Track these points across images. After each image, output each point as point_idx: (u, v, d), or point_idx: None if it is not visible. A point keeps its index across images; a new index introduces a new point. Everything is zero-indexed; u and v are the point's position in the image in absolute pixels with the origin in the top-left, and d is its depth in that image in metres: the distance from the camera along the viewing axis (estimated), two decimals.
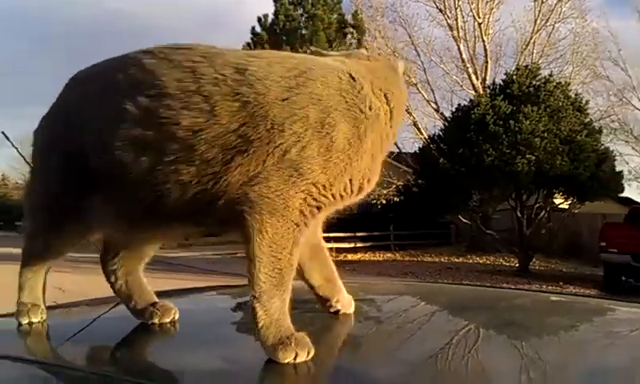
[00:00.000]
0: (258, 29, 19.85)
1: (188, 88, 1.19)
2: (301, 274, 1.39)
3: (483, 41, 21.45)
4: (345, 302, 1.42)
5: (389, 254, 20.47)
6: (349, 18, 19.07)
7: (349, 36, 18.86)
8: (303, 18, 19.01)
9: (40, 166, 1.42)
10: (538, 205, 15.98)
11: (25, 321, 1.35)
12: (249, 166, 1.14)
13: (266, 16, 19.71)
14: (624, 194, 19.08)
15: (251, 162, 1.14)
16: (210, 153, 1.15)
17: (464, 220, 18.06)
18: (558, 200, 16.76)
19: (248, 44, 19.62)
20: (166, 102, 1.19)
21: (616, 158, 16.40)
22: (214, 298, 1.86)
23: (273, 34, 19.01)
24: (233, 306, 1.71)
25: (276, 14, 19.30)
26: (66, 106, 1.38)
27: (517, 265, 16.40)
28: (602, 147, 15.46)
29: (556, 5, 21.62)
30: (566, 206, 16.70)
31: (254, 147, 1.14)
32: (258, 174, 1.14)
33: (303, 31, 18.70)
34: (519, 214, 15.96)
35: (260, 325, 1.09)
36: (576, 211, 16.70)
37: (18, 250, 1.46)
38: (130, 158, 1.20)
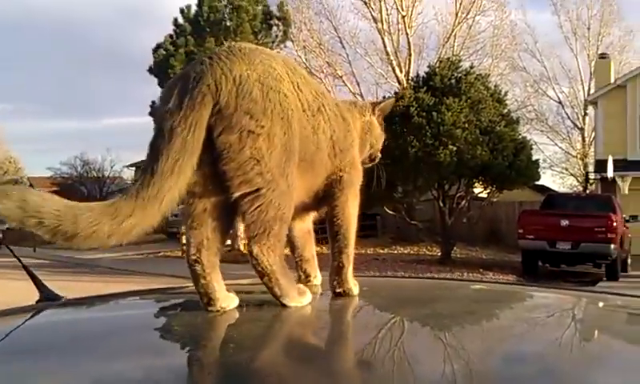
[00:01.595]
0: (181, 20, 19.42)
1: (323, 106, 1.59)
2: (294, 247, 1.73)
3: (407, 34, 21.88)
4: (319, 281, 1.75)
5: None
6: (274, 9, 18.94)
7: (274, 28, 18.76)
8: (227, 10, 18.72)
9: None
10: (459, 194, 16.43)
11: None
12: (343, 161, 1.63)
13: (189, 7, 19.31)
14: (540, 182, 19.99)
15: (344, 159, 1.64)
16: (329, 155, 1.60)
17: (389, 211, 18.35)
18: (478, 189, 17.29)
19: (170, 36, 19.19)
20: (319, 117, 1.57)
21: (532, 147, 17.07)
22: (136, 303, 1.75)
23: (196, 26, 18.65)
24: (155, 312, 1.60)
25: (199, 4, 18.93)
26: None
27: (439, 254, 16.84)
28: (520, 137, 16.11)
29: None
30: (485, 195, 17.26)
31: (345, 151, 1.65)
32: (344, 166, 1.64)
33: (228, 23, 18.43)
34: (441, 204, 16.37)
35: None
36: (495, 200, 17.29)
37: None
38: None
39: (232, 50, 1.53)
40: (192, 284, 1.40)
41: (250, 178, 1.43)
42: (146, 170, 1.36)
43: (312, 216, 1.74)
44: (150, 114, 17.49)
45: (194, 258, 1.42)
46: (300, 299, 1.44)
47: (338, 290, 1.59)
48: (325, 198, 1.65)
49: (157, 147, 1.37)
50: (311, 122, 1.56)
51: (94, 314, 1.54)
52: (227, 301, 1.41)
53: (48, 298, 1.47)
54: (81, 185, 33.27)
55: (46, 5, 66.12)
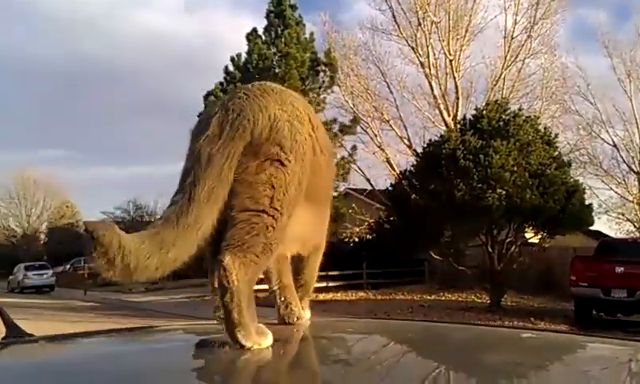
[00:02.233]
0: (231, 68, 19.92)
1: (327, 149, 1.71)
2: (272, 275, 1.71)
3: (454, 77, 21.82)
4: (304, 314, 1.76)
5: (361, 293, 20.24)
6: (321, 56, 19.24)
7: (321, 74, 19.02)
8: (276, 57, 19.14)
9: None
10: (508, 239, 16.00)
11: None
12: (328, 200, 1.85)
13: (239, 55, 19.83)
14: (594, 228, 19.31)
15: (329, 198, 1.87)
16: (322, 195, 1.75)
17: (436, 256, 18.01)
18: (529, 234, 16.81)
19: (221, 83, 19.68)
20: (321, 159, 1.66)
21: (585, 191, 16.55)
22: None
23: (246, 73, 19.07)
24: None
25: (249, 53, 19.42)
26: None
27: (489, 301, 16.34)
28: (572, 180, 15.66)
29: (525, 41, 22.25)
30: (537, 240, 16.74)
31: (330, 191, 1.85)
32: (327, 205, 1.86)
33: (276, 70, 18.79)
34: (490, 250, 15.95)
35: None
36: (547, 245, 16.76)
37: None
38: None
39: (265, 89, 1.59)
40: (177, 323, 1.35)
41: (258, 199, 1.47)
42: (184, 195, 1.39)
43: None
44: None
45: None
46: (258, 340, 1.34)
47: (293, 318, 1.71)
48: (313, 235, 1.78)
49: (194, 173, 1.40)
50: (318, 164, 1.63)
51: (57, 351, 1.49)
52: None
53: (15, 335, 1.46)
54: (133, 229, 33.87)
55: (101, 55, 68.97)
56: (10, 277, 34.27)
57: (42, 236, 50.48)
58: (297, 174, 1.53)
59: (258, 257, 1.43)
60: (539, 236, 16.42)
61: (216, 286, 1.39)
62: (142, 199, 34.35)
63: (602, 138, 24.27)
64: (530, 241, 17.18)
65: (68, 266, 37.92)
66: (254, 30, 19.66)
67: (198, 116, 1.82)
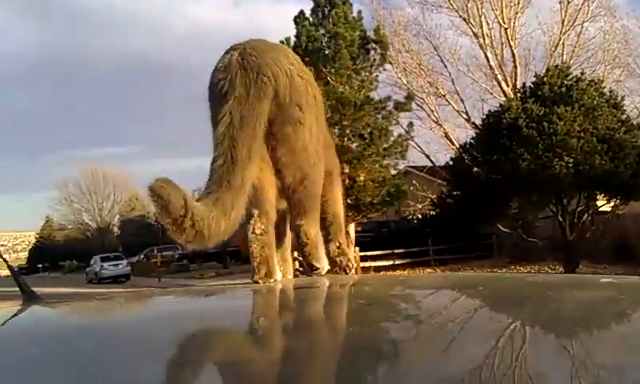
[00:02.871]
0: None
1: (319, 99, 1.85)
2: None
3: (510, 46, 20.96)
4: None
5: (429, 270, 19.91)
6: (371, 34, 18.82)
7: (372, 51, 18.62)
8: (325, 38, 18.86)
9: None
10: (579, 208, 15.36)
11: None
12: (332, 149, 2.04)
13: (287, 39, 19.62)
14: None
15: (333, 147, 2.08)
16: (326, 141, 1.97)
17: (504, 229, 17.48)
18: (601, 202, 16.09)
19: None
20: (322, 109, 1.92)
21: None
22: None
23: None
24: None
25: (298, 36, 19.21)
26: None
27: (562, 272, 15.78)
28: None
29: (582, 4, 21.15)
30: (609, 208, 16.00)
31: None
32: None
33: (326, 51, 18.53)
34: (561, 219, 15.37)
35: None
36: (620, 212, 15.99)
37: (65, 290, 1.39)
38: None
39: (265, 43, 1.76)
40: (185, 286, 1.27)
41: (301, 165, 1.69)
42: (226, 157, 1.50)
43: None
44: None
45: (260, 231, 1.65)
46: (325, 265, 1.80)
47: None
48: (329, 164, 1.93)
49: (230, 135, 1.52)
50: (320, 112, 1.82)
51: (67, 314, 1.49)
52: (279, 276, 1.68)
53: (30, 300, 1.47)
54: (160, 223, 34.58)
55: (160, 51, 70.50)
56: (88, 268, 35.72)
57: (115, 229, 52.35)
58: (313, 125, 1.72)
59: (316, 209, 1.77)
60: (612, 203, 15.69)
61: (258, 229, 1.65)
62: None
63: None
64: (602, 209, 16.44)
65: (142, 256, 39.17)
66: (301, 12, 19.40)
67: (213, 75, 1.73)
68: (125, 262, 34.55)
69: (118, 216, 52.14)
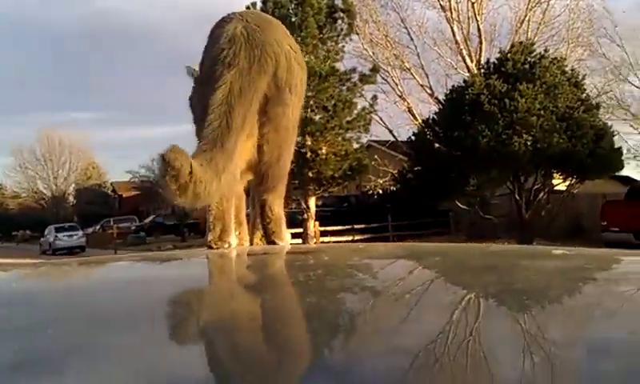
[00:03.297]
0: None
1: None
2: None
3: (477, 21, 21.02)
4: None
5: None
6: (339, 2, 18.63)
7: (339, 21, 18.45)
8: (292, 5, 18.62)
9: None
10: (536, 187, 15.60)
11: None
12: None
13: (254, 4, 19.31)
14: (623, 173, 18.72)
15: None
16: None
17: (462, 206, 17.65)
18: (557, 181, 16.36)
19: None
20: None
21: (615, 134, 15.96)
22: None
23: None
24: None
25: (264, 1, 18.93)
26: None
27: None
28: (600, 123, 15.10)
29: None
30: (565, 187, 16.30)
31: None
32: None
33: (293, 18, 18.29)
34: (517, 197, 15.61)
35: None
36: (575, 191, 16.31)
37: (15, 261, 1.28)
38: None
39: (271, 20, 1.90)
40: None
41: (281, 144, 1.80)
42: (221, 121, 1.57)
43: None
44: None
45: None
46: (287, 240, 1.87)
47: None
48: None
49: (228, 102, 1.59)
50: (302, 93, 1.90)
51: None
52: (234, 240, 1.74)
53: None
54: (159, 187, 34.14)
55: (123, 12, 68.87)
56: (42, 239, 34.93)
57: (71, 198, 51.17)
58: (296, 107, 1.83)
59: (283, 188, 1.87)
60: (567, 182, 15.98)
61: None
62: None
63: (630, 82, 23.27)
64: (557, 188, 16.73)
65: (97, 227, 38.46)
66: None
67: (211, 35, 1.85)
68: (80, 232, 33.92)
69: (73, 185, 50.89)
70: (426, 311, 0.85)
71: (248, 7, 19.29)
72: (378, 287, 1.08)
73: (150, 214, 39.36)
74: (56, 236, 32.70)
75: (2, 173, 54.90)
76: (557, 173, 15.64)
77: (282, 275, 1.31)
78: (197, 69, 1.96)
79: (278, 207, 1.87)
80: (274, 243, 1.85)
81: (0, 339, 0.74)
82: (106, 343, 0.70)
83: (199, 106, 1.79)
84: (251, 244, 1.93)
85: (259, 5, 18.72)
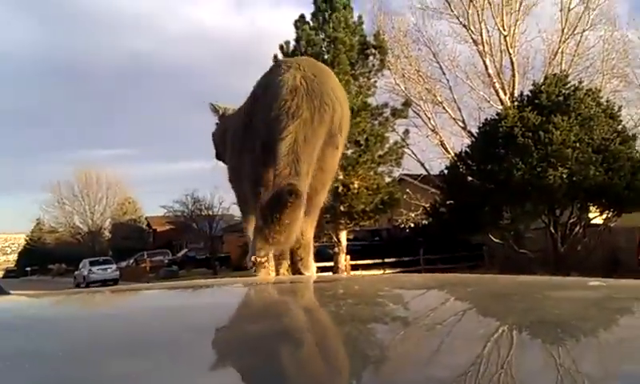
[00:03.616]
0: (280, 56, 19.77)
1: None
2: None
3: (509, 54, 21.04)
4: None
5: None
6: (370, 39, 18.85)
7: (371, 57, 18.63)
8: (325, 43, 18.88)
9: None
10: (572, 220, 15.33)
11: None
12: None
13: (287, 43, 19.63)
14: None
15: None
16: None
17: (496, 240, 17.41)
18: (593, 214, 16.06)
19: None
20: None
21: None
22: None
23: None
24: None
25: (297, 40, 19.22)
26: None
27: None
28: (638, 155, 14.82)
29: (583, 12, 21.25)
30: (601, 221, 15.98)
31: None
32: None
33: (325, 55, 18.52)
34: (553, 231, 15.34)
35: None
36: (612, 225, 15.96)
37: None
38: None
39: (323, 68, 1.89)
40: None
41: (325, 181, 1.90)
42: (291, 170, 1.67)
43: None
44: None
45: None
46: (314, 271, 1.94)
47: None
48: None
49: (295, 151, 1.69)
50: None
51: (28, 306, 1.42)
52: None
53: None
54: (192, 221, 34.44)
55: (155, 51, 70.55)
56: (76, 272, 35.42)
57: (106, 232, 51.92)
58: (342, 146, 1.98)
59: (316, 218, 1.96)
60: (604, 216, 15.67)
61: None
62: (199, 192, 34.70)
63: None
64: (593, 221, 16.41)
65: (131, 261, 38.89)
66: (302, 16, 19.42)
67: (265, 81, 1.99)
68: (114, 266, 34.32)
69: (109, 219, 51.70)
70: (455, 341, 0.83)
71: (281, 46, 19.78)
72: (403, 316, 1.09)
73: (182, 248, 39.68)
74: (90, 269, 33.14)
75: (40, 208, 56.01)
76: (593, 206, 15.38)
77: (308, 303, 1.30)
78: (220, 105, 2.17)
79: (309, 233, 1.94)
80: (299, 273, 1.93)
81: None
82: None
83: (238, 145, 1.99)
84: (277, 274, 1.94)
85: (292, 44, 19.04)
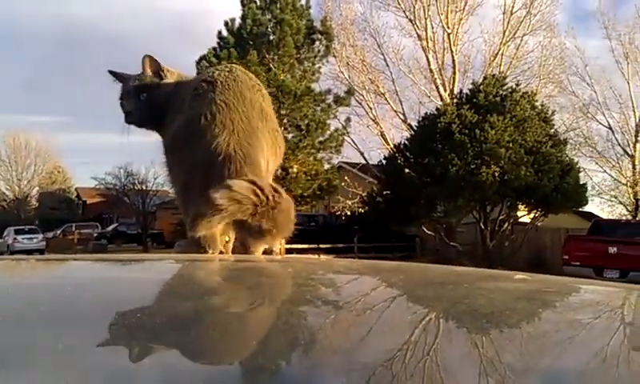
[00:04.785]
0: (225, 33, 19.48)
1: None
2: None
3: (452, 52, 21.48)
4: None
5: None
6: (317, 24, 18.82)
7: (317, 42, 18.61)
8: (271, 23, 18.71)
9: None
10: (501, 217, 15.85)
11: None
12: None
13: (233, 20, 19.37)
14: (586, 209, 19.17)
15: None
16: None
17: (428, 232, 17.83)
18: (522, 213, 16.67)
19: (214, 48, 19.27)
20: None
21: (580, 170, 16.36)
22: None
23: (240, 39, 18.67)
24: None
25: (243, 18, 18.97)
26: None
27: None
28: (567, 159, 15.47)
29: (524, 17, 21.89)
30: (529, 220, 16.61)
31: None
32: None
33: (271, 36, 18.39)
34: (483, 226, 15.82)
35: None
36: (539, 224, 16.61)
37: None
38: None
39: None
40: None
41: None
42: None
43: None
44: None
45: None
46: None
47: None
48: None
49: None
50: None
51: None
52: None
53: None
54: (124, 195, 33.62)
55: (94, 19, 68.13)
56: (0, 240, 34.05)
57: (34, 201, 50.03)
58: None
59: None
60: (532, 215, 16.28)
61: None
62: (133, 166, 33.80)
63: (598, 120, 23.99)
64: (522, 220, 17.04)
65: (59, 232, 37.65)
66: None
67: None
68: (40, 236, 33.14)
69: (37, 188, 49.77)
70: (383, 327, 0.83)
71: (226, 23, 19.47)
72: (334, 299, 1.08)
73: (113, 222, 38.71)
74: (15, 238, 31.91)
75: None
76: (522, 205, 15.93)
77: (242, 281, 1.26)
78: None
79: None
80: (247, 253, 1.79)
81: None
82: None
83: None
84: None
85: (238, 21, 18.79)
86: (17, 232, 32.55)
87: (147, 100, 1.90)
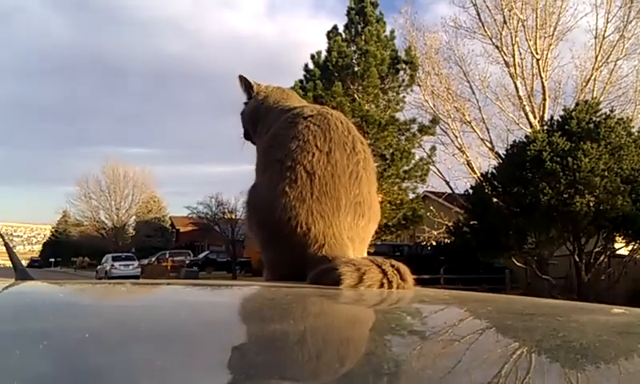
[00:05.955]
0: (311, 66, 19.91)
1: None
2: None
3: (541, 78, 20.87)
4: None
5: None
6: (402, 54, 18.88)
7: (401, 72, 18.66)
8: (356, 55, 18.98)
9: None
10: (597, 249, 15.10)
11: None
12: None
13: (319, 53, 19.79)
14: None
15: None
16: None
17: (518, 264, 17.23)
18: (619, 244, 15.82)
19: (300, 81, 19.71)
20: None
21: None
22: None
23: (325, 71, 19.02)
24: None
25: (329, 50, 19.35)
26: None
27: None
28: None
29: (618, 41, 20.97)
30: (627, 252, 15.73)
31: None
32: None
33: (355, 68, 18.62)
34: (577, 259, 15.11)
35: None
36: (638, 256, 15.69)
37: None
38: None
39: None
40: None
41: None
42: None
43: None
44: None
45: None
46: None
47: None
48: None
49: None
50: None
51: (54, 293, 1.40)
52: None
53: (22, 278, 1.45)
54: (215, 224, 34.66)
55: (191, 56, 71.35)
56: (98, 266, 35.91)
57: (130, 229, 52.53)
58: None
59: None
60: (630, 247, 15.41)
61: None
62: (223, 196, 34.87)
63: None
64: (619, 252, 16.15)
65: (153, 259, 39.30)
66: (335, 27, 19.59)
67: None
68: (136, 263, 34.73)
69: (134, 217, 52.30)
70: (472, 360, 0.80)
71: (313, 56, 19.89)
72: (420, 330, 1.05)
73: (204, 250, 39.95)
74: (112, 264, 33.59)
75: (66, 201, 57.02)
76: (619, 236, 15.12)
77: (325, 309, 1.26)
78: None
79: None
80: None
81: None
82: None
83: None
84: None
85: (324, 54, 19.15)
86: (114, 259, 34.27)
87: (247, 116, 1.95)
